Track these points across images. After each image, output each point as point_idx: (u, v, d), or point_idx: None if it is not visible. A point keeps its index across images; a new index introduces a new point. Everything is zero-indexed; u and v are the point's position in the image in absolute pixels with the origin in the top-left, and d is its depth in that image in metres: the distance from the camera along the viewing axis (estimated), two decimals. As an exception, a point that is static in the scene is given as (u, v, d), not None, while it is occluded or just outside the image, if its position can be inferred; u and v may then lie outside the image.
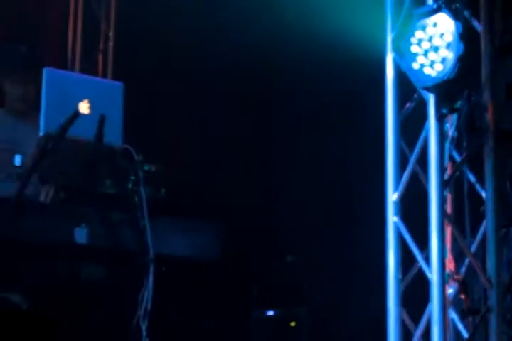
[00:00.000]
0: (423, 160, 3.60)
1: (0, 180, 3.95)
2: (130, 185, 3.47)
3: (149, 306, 3.33)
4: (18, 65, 4.00)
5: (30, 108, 4.07)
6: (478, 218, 3.68)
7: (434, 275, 3.56)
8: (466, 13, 3.47)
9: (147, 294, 3.33)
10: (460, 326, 3.71)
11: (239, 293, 5.49)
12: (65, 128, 3.15)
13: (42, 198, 3.78)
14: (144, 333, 3.34)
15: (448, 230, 3.68)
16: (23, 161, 3.88)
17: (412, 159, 3.68)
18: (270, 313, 5.38)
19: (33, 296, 3.68)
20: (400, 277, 3.74)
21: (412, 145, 3.66)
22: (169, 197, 4.14)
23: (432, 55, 3.45)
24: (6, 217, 3.15)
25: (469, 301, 3.71)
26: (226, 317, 5.45)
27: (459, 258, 3.75)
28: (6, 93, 4.07)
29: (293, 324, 5.27)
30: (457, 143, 3.68)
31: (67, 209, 3.43)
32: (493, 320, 3.45)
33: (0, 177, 3.96)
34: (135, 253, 3.41)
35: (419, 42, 3.48)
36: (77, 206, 3.49)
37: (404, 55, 3.51)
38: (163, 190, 4.06)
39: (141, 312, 3.33)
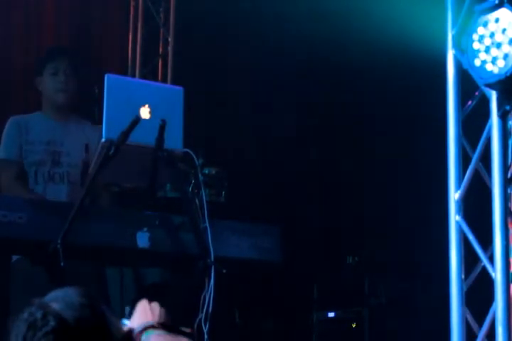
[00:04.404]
0: (486, 158, 3.53)
1: (48, 181, 3.97)
2: (191, 189, 3.47)
3: (210, 309, 3.32)
4: (57, 73, 4.01)
5: (70, 111, 4.08)
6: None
7: (498, 275, 3.49)
8: (529, 8, 3.39)
9: (208, 297, 3.33)
10: (527, 326, 3.63)
11: (300, 294, 5.46)
12: (126, 134, 3.16)
13: (104, 203, 3.81)
14: (206, 336, 3.33)
15: (512, 228, 3.61)
16: (66, 162, 3.91)
17: (475, 157, 3.61)
18: (331, 315, 5.35)
19: (95, 300, 3.71)
20: (463, 277, 3.68)
21: (474, 144, 3.59)
22: (230, 200, 4.13)
23: (494, 51, 3.37)
24: (69, 221, 3.17)
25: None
26: (287, 318, 5.44)
27: (524, 257, 3.68)
28: (44, 98, 4.07)
29: (354, 325, 5.23)
30: (521, 141, 3.60)
31: (129, 214, 3.45)
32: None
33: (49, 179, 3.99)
34: (196, 257, 3.41)
35: (481, 38, 3.40)
36: (139, 210, 3.51)
37: (465, 51, 3.44)
38: (223, 193, 4.06)
39: (202, 314, 3.33)
